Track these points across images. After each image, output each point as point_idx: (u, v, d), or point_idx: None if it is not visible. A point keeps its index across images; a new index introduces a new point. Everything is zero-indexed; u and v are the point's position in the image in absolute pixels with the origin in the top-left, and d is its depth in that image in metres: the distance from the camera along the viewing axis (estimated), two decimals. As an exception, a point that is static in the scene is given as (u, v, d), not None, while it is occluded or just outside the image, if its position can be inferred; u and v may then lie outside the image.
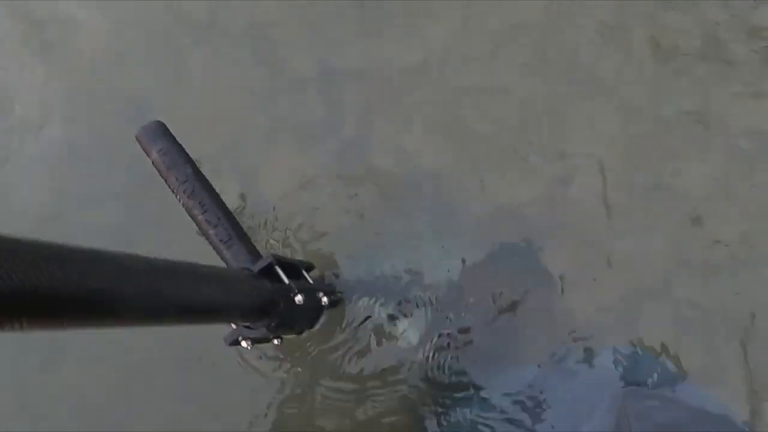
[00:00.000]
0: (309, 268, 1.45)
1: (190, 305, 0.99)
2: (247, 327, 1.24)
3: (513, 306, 1.56)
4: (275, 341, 1.38)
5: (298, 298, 1.25)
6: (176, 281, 0.95)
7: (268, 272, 1.26)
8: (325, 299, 1.40)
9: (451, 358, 1.53)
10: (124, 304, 0.81)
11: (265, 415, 1.55)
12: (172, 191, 1.39)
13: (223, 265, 1.33)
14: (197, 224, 1.37)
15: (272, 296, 1.22)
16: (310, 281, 1.42)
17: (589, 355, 1.57)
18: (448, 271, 1.61)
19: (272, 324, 1.23)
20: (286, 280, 1.26)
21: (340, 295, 1.52)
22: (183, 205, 1.38)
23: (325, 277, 1.56)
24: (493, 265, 1.62)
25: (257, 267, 1.24)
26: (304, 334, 1.46)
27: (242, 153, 1.83)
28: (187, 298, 0.98)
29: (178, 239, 1.64)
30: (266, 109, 1.85)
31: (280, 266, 1.28)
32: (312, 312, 1.40)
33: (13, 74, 2.07)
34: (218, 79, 1.92)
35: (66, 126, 1.97)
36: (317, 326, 1.47)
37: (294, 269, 1.38)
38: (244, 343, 1.26)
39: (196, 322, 1.08)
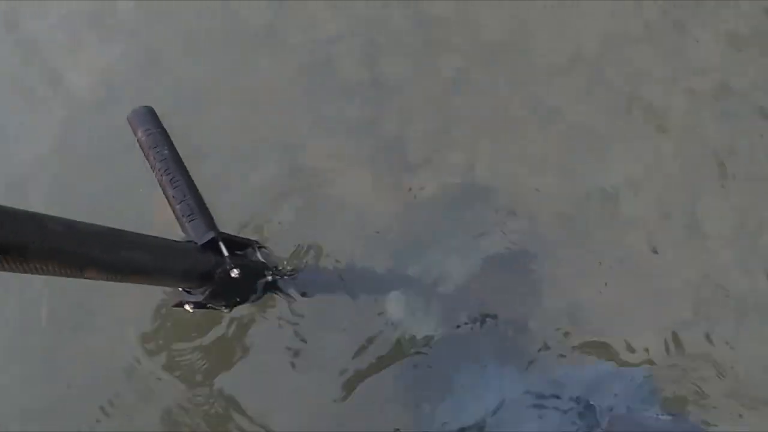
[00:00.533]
0: (261, 246, 1.61)
1: (115, 266, 1.18)
2: (187, 292, 1.42)
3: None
4: (225, 310, 1.56)
5: (234, 272, 1.42)
6: (98, 244, 1.13)
7: (212, 246, 1.43)
8: (269, 277, 1.55)
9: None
10: (32, 256, 1.01)
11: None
12: (151, 168, 1.60)
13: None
14: (167, 198, 1.56)
15: (208, 267, 1.39)
16: (261, 260, 1.58)
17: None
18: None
19: (208, 291, 1.40)
20: (226, 254, 1.42)
21: (289, 274, 1.66)
22: (158, 181, 1.58)
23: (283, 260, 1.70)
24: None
25: (201, 240, 1.41)
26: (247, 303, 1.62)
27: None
28: (111, 260, 1.17)
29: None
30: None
31: (226, 243, 1.45)
32: (254, 285, 1.56)
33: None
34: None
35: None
36: (260, 299, 1.62)
37: (244, 246, 1.54)
38: (187, 307, 1.44)
39: (130, 281, 1.26)
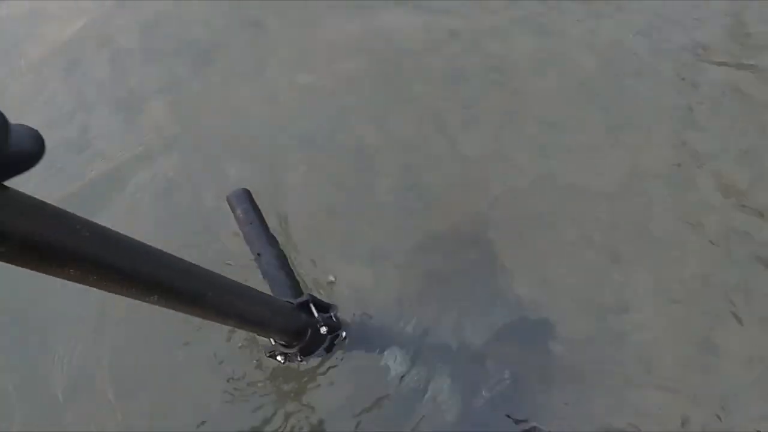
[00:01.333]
0: (335, 309, 1.75)
1: (230, 313, 1.33)
2: (283, 345, 1.56)
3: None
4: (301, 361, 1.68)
5: (323, 330, 1.56)
6: (218, 291, 1.29)
7: (304, 307, 1.59)
8: (344, 333, 1.70)
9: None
10: (168, 292, 1.16)
11: None
12: (246, 241, 1.80)
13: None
14: (260, 267, 1.75)
15: (304, 325, 1.54)
16: (335, 319, 1.72)
17: None
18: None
19: (300, 346, 1.54)
20: (317, 315, 1.58)
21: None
22: (253, 252, 1.78)
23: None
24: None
25: (297, 301, 1.57)
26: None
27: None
28: (226, 307, 1.32)
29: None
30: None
31: (314, 304, 1.60)
32: (332, 341, 1.69)
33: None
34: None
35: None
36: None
37: (325, 308, 1.69)
38: (279, 357, 1.58)
39: (241, 327, 1.41)
